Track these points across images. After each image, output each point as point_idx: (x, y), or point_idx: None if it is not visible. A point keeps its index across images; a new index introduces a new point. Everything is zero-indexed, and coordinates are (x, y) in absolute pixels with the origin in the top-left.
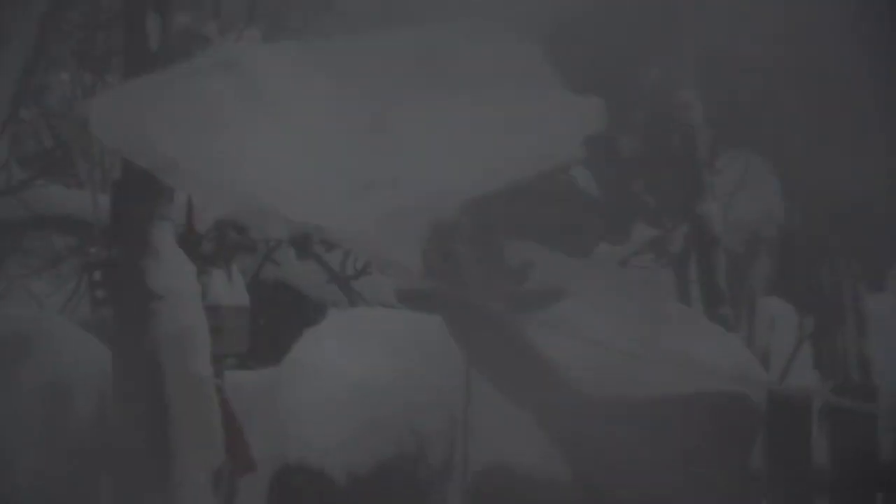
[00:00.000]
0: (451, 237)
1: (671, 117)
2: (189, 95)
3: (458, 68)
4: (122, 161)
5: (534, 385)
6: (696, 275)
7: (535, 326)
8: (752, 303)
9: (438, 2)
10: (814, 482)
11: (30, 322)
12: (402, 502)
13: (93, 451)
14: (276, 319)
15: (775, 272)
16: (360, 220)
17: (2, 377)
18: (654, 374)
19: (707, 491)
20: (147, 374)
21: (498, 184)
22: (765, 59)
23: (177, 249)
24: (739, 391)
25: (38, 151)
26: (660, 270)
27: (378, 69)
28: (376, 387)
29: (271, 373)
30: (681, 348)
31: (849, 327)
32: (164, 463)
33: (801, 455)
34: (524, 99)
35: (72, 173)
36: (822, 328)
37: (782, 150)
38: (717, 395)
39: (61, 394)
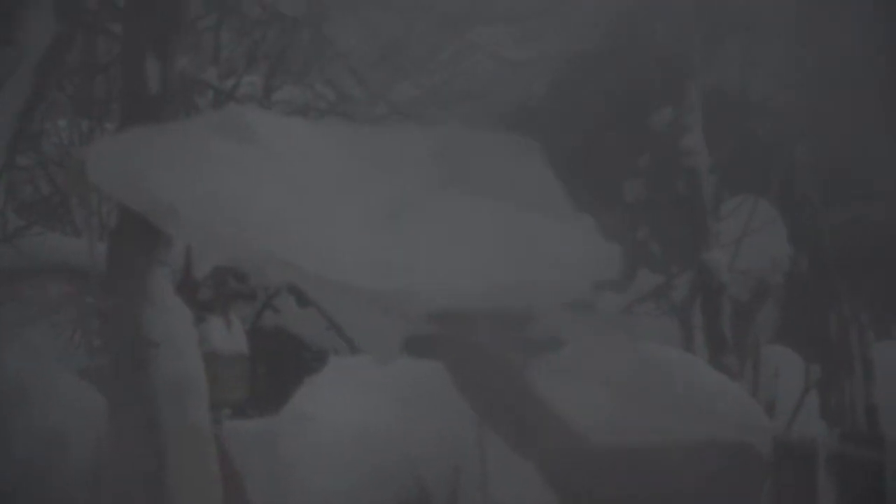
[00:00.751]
0: None
1: (677, 162)
2: (188, 141)
3: (473, 174)
4: (119, 208)
5: (537, 432)
6: (700, 322)
7: (539, 373)
8: (757, 351)
9: (439, 44)
10: None
11: (25, 371)
12: None
13: (88, 502)
14: (276, 367)
15: (781, 320)
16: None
17: None
18: (658, 423)
19: None
20: (143, 424)
21: (506, 304)
22: (773, 103)
23: (174, 296)
24: (745, 440)
25: (35, 199)
26: (663, 318)
27: (392, 153)
28: (378, 435)
29: (271, 422)
30: (685, 396)
31: (856, 376)
32: None
33: None
34: (542, 229)
35: (69, 221)
36: (829, 376)
37: (790, 196)
38: (722, 444)
39: (56, 443)
